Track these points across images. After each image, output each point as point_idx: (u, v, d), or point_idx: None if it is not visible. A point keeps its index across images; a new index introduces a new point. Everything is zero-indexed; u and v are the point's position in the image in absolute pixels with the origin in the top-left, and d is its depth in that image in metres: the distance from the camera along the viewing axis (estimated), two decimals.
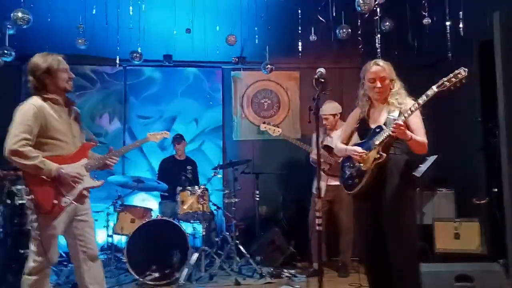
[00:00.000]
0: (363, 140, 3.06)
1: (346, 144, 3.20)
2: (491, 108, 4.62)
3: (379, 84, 2.97)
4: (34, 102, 2.86)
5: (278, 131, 4.87)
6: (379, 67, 2.98)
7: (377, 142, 2.90)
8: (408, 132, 2.80)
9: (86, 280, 2.97)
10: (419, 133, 2.90)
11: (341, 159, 3.24)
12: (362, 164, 2.95)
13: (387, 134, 2.85)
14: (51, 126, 2.86)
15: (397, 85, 3.03)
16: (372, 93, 3.03)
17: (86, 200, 3.06)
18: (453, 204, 5.35)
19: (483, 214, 4.97)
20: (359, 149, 2.97)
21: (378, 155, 2.88)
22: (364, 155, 2.93)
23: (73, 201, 2.88)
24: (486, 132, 5.12)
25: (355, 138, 3.27)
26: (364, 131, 3.09)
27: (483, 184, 5.21)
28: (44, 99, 2.89)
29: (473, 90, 5.29)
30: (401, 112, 2.90)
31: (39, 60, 2.89)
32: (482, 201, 4.90)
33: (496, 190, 4.76)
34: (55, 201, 2.80)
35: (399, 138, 2.84)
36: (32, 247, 2.85)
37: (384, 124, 2.94)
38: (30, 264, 2.84)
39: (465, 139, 5.67)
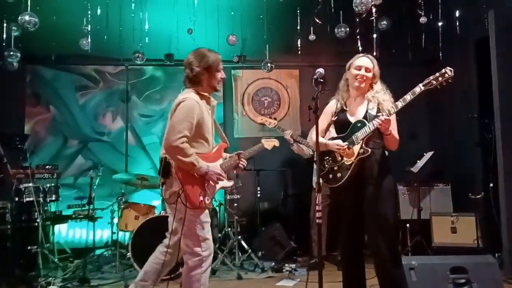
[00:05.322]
0: (343, 134, 3.10)
1: (323, 137, 3.20)
2: (487, 105, 4.72)
3: (363, 72, 3.08)
4: (196, 98, 2.89)
5: (274, 123, 4.97)
6: (368, 59, 3.14)
7: (361, 137, 2.98)
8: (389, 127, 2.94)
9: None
10: (394, 130, 3.04)
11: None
12: (345, 159, 3.02)
13: (372, 128, 2.94)
14: (204, 125, 2.92)
15: (379, 84, 3.14)
16: (353, 81, 3.12)
17: None
18: (450, 199, 5.44)
19: (479, 208, 5.08)
20: (342, 143, 3.02)
21: (363, 150, 2.97)
22: (348, 150, 3.00)
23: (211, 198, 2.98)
24: (482, 128, 5.21)
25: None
26: (343, 124, 3.13)
27: (479, 179, 5.32)
28: (200, 96, 2.94)
29: (469, 87, 5.39)
30: (380, 109, 3.02)
31: (207, 53, 2.94)
32: (478, 196, 5.00)
33: (492, 185, 4.86)
34: (201, 198, 2.85)
35: (380, 132, 2.97)
36: (190, 243, 2.84)
37: (365, 118, 3.03)
38: (196, 260, 2.82)
39: (461, 135, 5.76)
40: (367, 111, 3.08)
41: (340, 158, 3.06)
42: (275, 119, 5.18)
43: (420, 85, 2.94)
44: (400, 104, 2.94)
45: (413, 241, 5.03)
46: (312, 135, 3.26)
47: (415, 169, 5.19)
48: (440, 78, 2.89)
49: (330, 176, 3.10)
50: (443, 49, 5.35)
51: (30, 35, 5.00)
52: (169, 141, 2.75)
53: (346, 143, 3.01)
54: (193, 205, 2.81)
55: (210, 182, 2.91)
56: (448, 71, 2.90)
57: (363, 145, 2.98)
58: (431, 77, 2.92)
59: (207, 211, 2.95)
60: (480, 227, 4.98)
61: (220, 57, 3.01)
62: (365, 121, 3.02)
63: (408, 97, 2.92)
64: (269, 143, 3.59)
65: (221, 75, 3.02)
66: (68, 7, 5.16)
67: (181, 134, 2.75)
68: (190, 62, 2.93)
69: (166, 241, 3.06)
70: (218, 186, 2.99)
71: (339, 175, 3.05)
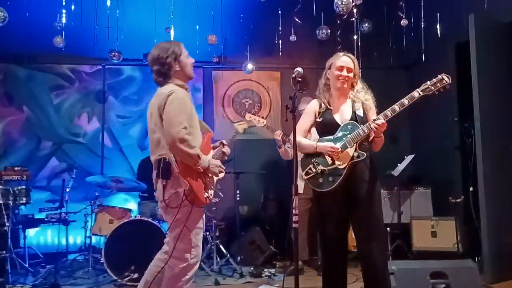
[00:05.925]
0: (329, 136, 2.98)
1: (305, 138, 3.09)
2: (468, 108, 4.72)
3: (345, 73, 3.00)
4: (180, 89, 2.72)
5: (263, 122, 4.81)
6: (349, 58, 3.06)
7: (355, 140, 2.88)
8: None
9: None
10: None
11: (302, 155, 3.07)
12: (338, 162, 2.89)
13: (367, 131, 2.86)
14: (193, 116, 2.73)
15: (360, 83, 3.11)
16: (335, 82, 3.03)
17: None
18: (430, 203, 5.42)
19: (459, 212, 5.06)
20: (336, 146, 2.89)
21: (357, 154, 2.88)
22: (341, 153, 2.88)
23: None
24: (462, 132, 5.21)
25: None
26: (329, 125, 3.02)
27: (459, 183, 5.32)
28: (181, 87, 2.76)
29: (450, 91, 5.35)
30: (365, 109, 3.00)
31: (168, 45, 2.80)
32: (458, 200, 4.99)
33: (472, 189, 4.84)
34: (206, 194, 2.68)
35: (371, 135, 2.91)
36: (183, 246, 2.67)
37: (354, 120, 2.96)
38: (182, 266, 2.68)
39: (442, 139, 5.76)
40: (354, 112, 2.99)
41: (331, 161, 2.92)
42: (262, 117, 4.99)
43: (419, 90, 2.86)
44: (397, 108, 2.85)
45: (393, 245, 4.99)
46: (301, 138, 3.12)
47: (395, 172, 5.16)
48: (438, 84, 2.83)
49: (320, 180, 2.93)
50: (424, 53, 5.35)
51: (1, 33, 4.84)
52: (173, 134, 2.54)
53: (339, 146, 2.90)
54: (201, 203, 2.64)
55: (211, 175, 2.74)
56: (446, 77, 2.84)
57: (357, 149, 2.89)
58: (428, 83, 2.85)
59: (204, 216, 2.81)
60: (460, 231, 4.97)
61: (180, 44, 2.86)
62: (355, 123, 2.93)
63: (406, 101, 2.84)
64: (241, 126, 3.62)
65: (191, 60, 2.87)
66: (41, 3, 5.01)
67: (182, 125, 2.57)
68: (158, 57, 2.76)
69: (165, 247, 2.85)
70: (215, 179, 2.85)
71: (330, 179, 2.90)
